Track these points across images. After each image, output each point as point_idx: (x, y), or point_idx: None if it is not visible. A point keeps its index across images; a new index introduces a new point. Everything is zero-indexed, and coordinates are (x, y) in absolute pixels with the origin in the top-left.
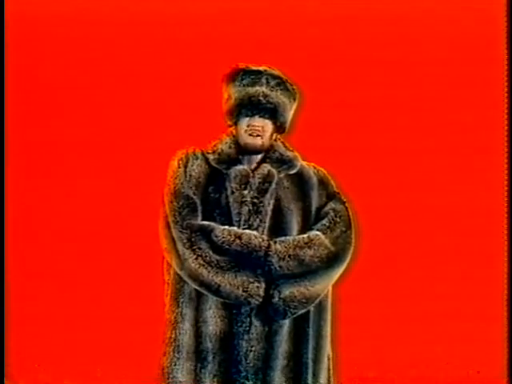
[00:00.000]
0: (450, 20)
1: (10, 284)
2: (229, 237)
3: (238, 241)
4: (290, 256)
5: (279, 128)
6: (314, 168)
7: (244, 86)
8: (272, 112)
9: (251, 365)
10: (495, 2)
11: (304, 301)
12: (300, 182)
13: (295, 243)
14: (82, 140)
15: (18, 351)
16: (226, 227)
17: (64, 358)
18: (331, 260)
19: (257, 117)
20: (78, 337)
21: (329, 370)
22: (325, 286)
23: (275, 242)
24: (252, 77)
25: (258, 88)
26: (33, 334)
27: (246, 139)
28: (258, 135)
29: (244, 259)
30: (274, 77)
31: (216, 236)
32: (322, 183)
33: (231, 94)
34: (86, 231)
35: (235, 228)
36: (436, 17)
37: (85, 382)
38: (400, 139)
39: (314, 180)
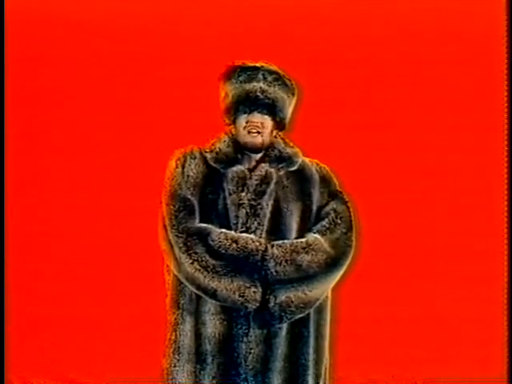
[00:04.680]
0: (450, 20)
1: (10, 284)
2: (225, 241)
3: (234, 245)
4: (286, 261)
5: (279, 124)
6: (317, 165)
7: (241, 82)
8: (270, 107)
9: (250, 367)
10: (495, 2)
11: (301, 305)
12: (301, 179)
13: (292, 248)
14: (80, 139)
15: (18, 351)
16: (223, 231)
17: (64, 358)
18: (330, 265)
19: (255, 113)
20: (79, 338)
21: (325, 370)
22: (323, 290)
23: (272, 246)
24: (249, 73)
25: (255, 84)
26: (33, 335)
27: (246, 138)
28: (257, 132)
29: (240, 264)
30: (271, 72)
31: (212, 240)
32: (324, 181)
33: (228, 91)
34: (85, 231)
35: (232, 232)
36: (436, 17)
37: (86, 383)
38: (401, 139)
39: (316, 177)
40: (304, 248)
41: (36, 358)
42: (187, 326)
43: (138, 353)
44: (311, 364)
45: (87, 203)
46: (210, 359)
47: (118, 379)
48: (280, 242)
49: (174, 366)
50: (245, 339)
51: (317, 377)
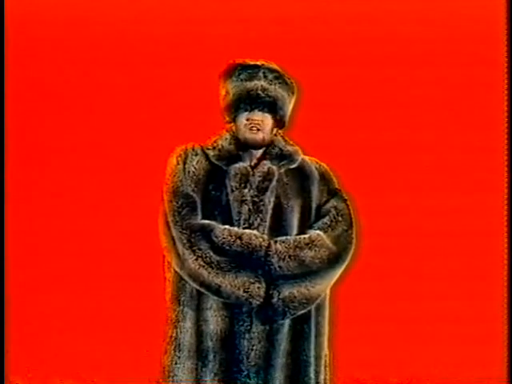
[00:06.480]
0: (450, 20)
1: (10, 284)
2: (229, 237)
3: (238, 241)
4: (290, 256)
5: (279, 122)
6: (316, 163)
7: (242, 80)
8: (271, 106)
9: (252, 364)
10: (495, 2)
11: (304, 301)
12: (301, 176)
13: (296, 243)
14: (81, 137)
15: (18, 351)
16: (227, 227)
17: (64, 356)
18: (332, 261)
19: (256, 111)
20: (79, 335)
21: (325, 367)
22: (325, 286)
23: (276, 242)
24: (249, 71)
25: (256, 82)
26: (33, 331)
27: (246, 134)
28: (257, 129)
29: (244, 259)
30: (272, 70)
31: (216, 236)
32: (324, 179)
33: (229, 89)
34: (85, 229)
35: (235, 228)
36: (436, 17)
37: (85, 382)
38: (401, 138)
39: (316, 175)
40: (307, 244)
41: (36, 357)
42: (188, 323)
43: (138, 350)
44: (312, 360)
45: (88, 201)
46: (211, 356)
47: (118, 377)
48: (283, 237)
49: (175, 364)
50: (247, 336)
51: (317, 373)
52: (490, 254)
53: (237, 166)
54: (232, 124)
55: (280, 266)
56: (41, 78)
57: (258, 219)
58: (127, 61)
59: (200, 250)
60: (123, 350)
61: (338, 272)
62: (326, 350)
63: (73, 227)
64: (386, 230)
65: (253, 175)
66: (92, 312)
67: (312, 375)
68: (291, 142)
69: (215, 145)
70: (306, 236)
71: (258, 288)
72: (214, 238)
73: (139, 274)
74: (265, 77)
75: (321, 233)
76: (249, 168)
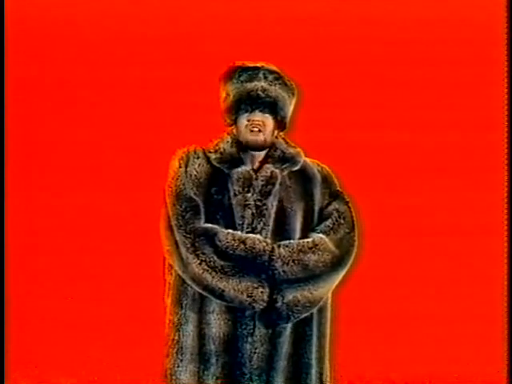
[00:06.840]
0: (450, 20)
1: (10, 284)
2: (233, 242)
3: (242, 246)
4: (293, 261)
5: (280, 124)
6: (318, 165)
7: (242, 82)
8: (272, 106)
9: (255, 367)
10: (495, 2)
11: (308, 305)
12: (303, 179)
13: (299, 248)
14: (82, 139)
15: (18, 351)
16: (230, 231)
17: (65, 358)
18: (335, 264)
19: (257, 112)
20: (79, 338)
21: (327, 369)
22: (328, 289)
23: (279, 246)
24: (249, 73)
25: (256, 83)
26: (33, 334)
27: (247, 136)
28: (259, 130)
29: (248, 264)
30: (272, 72)
31: (220, 241)
32: (326, 181)
33: (229, 91)
34: (86, 231)
35: (239, 232)
36: (436, 17)
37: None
38: (401, 139)
39: (318, 178)
40: (310, 248)
41: (36, 357)
42: (190, 327)
43: (140, 353)
44: (314, 363)
45: (89, 204)
46: (214, 359)
47: (119, 379)
48: (286, 242)
49: (178, 367)
50: (249, 339)
51: (319, 375)
52: (490, 253)
53: (239, 169)
54: (233, 126)
55: (284, 271)
56: (41, 79)
57: (261, 223)
58: (127, 62)
59: (204, 254)
60: (124, 351)
61: (340, 275)
62: (327, 352)
63: (74, 229)
64: (388, 232)
65: (256, 179)
66: (92, 314)
67: (314, 377)
68: (293, 144)
69: (217, 148)
70: (310, 240)
71: (262, 293)
72: (218, 243)
73: (140, 277)
74: (265, 78)
75: (324, 236)
76: (251, 172)
